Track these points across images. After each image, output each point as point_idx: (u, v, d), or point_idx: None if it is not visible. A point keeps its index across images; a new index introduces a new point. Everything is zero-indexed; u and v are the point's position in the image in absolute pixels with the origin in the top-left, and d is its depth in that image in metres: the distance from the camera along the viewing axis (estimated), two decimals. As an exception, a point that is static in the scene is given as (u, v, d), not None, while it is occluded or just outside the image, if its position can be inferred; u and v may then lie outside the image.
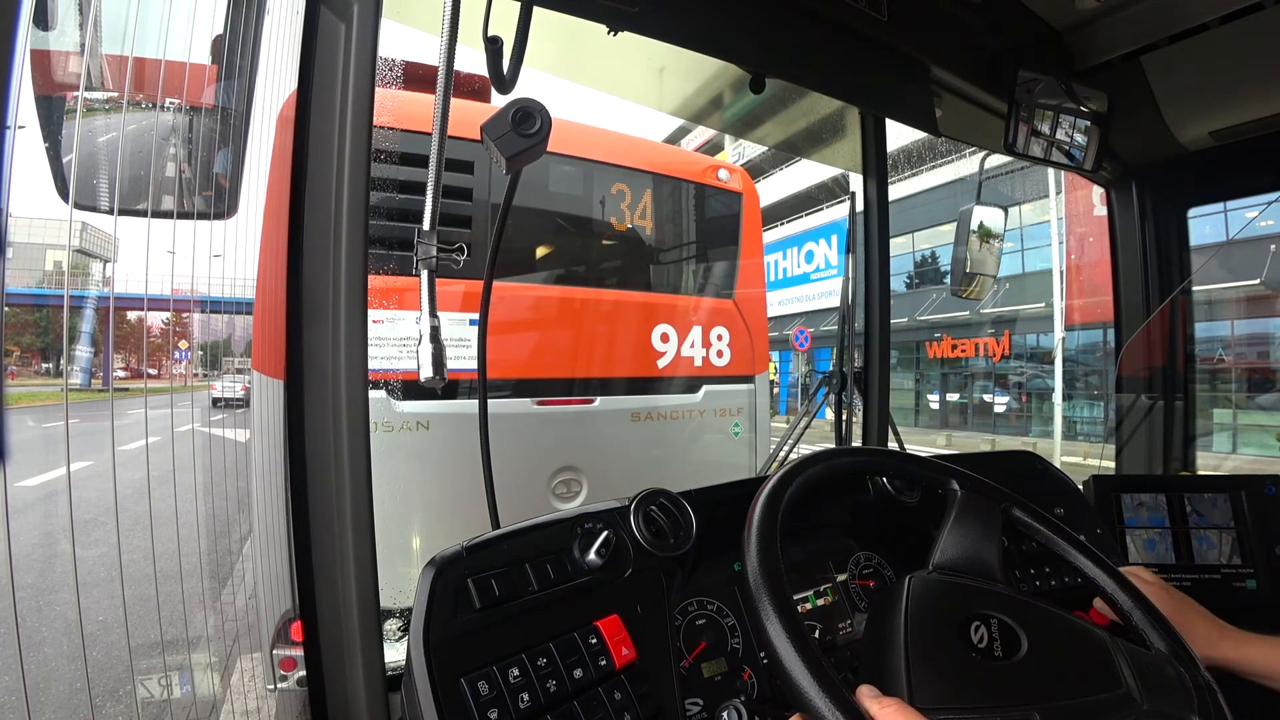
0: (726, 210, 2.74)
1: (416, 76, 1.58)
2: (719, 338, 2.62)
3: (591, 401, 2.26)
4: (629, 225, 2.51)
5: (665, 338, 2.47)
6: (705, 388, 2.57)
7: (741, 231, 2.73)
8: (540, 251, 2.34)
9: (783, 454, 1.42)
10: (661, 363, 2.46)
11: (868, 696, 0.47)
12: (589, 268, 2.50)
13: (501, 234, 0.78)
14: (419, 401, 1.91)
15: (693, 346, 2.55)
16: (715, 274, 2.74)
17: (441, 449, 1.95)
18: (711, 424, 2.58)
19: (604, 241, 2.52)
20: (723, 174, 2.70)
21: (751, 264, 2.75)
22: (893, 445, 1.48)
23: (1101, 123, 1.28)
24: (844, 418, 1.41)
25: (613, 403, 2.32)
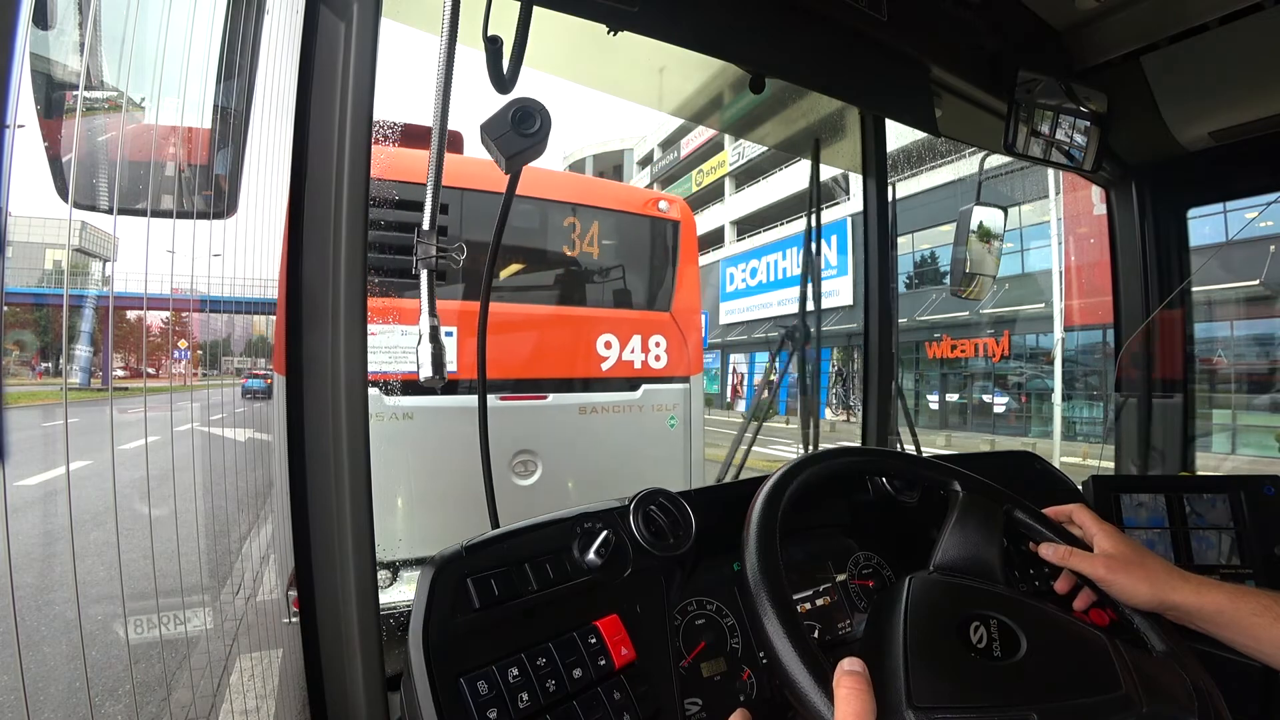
0: (666, 236, 3.32)
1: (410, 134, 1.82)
2: (657, 344, 3.17)
3: (545, 398, 2.79)
4: (579, 251, 3.04)
5: (609, 345, 3.02)
6: (644, 386, 3.12)
7: (679, 253, 3.30)
8: (505, 274, 2.85)
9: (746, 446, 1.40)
10: (605, 366, 3.00)
11: (844, 669, 0.47)
12: (545, 288, 3.03)
13: (501, 234, 0.78)
14: (404, 397, 2.38)
15: (633, 352, 3.09)
16: (655, 290, 3.29)
17: (421, 434, 2.43)
18: (650, 417, 3.13)
19: (557, 265, 3.06)
20: (663, 205, 3.30)
21: (688, 281, 3.31)
22: (909, 447, 1.48)
23: (1101, 123, 1.28)
24: (807, 375, 1.39)
25: (563, 399, 2.85)
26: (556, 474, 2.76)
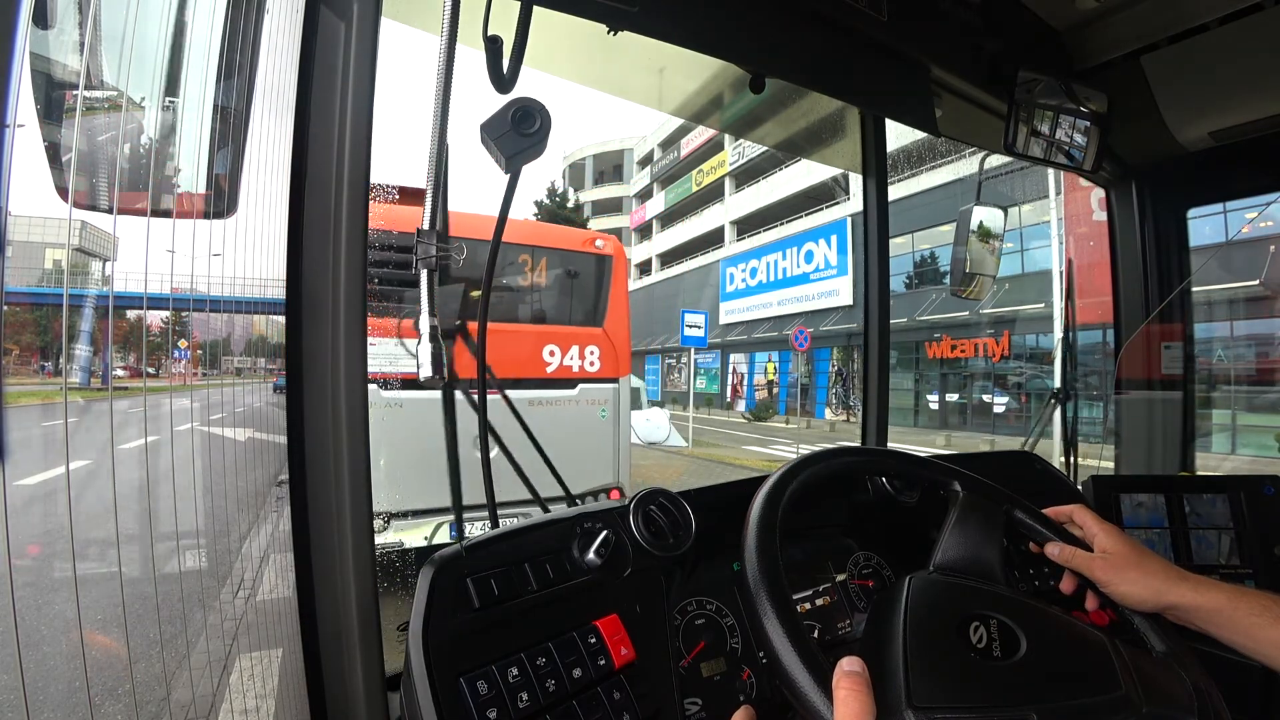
0: (600, 268, 4.30)
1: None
2: (591, 353, 4.12)
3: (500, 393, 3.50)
4: (531, 281, 3.94)
5: (553, 353, 4.00)
6: (580, 385, 4.10)
7: (611, 281, 4.27)
8: (474, 295, 3.51)
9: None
10: (549, 369, 3.98)
11: (844, 669, 0.47)
12: (504, 309, 3.99)
13: (501, 234, 0.78)
14: (395, 392, 3.10)
15: (572, 359, 4.06)
16: (590, 310, 4.25)
17: (407, 419, 3.07)
18: (585, 409, 4.10)
19: (514, 292, 4.02)
20: (599, 243, 4.31)
21: (618, 302, 4.28)
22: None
23: (1101, 123, 1.28)
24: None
25: (516, 394, 3.40)
26: (512, 451, 3.22)
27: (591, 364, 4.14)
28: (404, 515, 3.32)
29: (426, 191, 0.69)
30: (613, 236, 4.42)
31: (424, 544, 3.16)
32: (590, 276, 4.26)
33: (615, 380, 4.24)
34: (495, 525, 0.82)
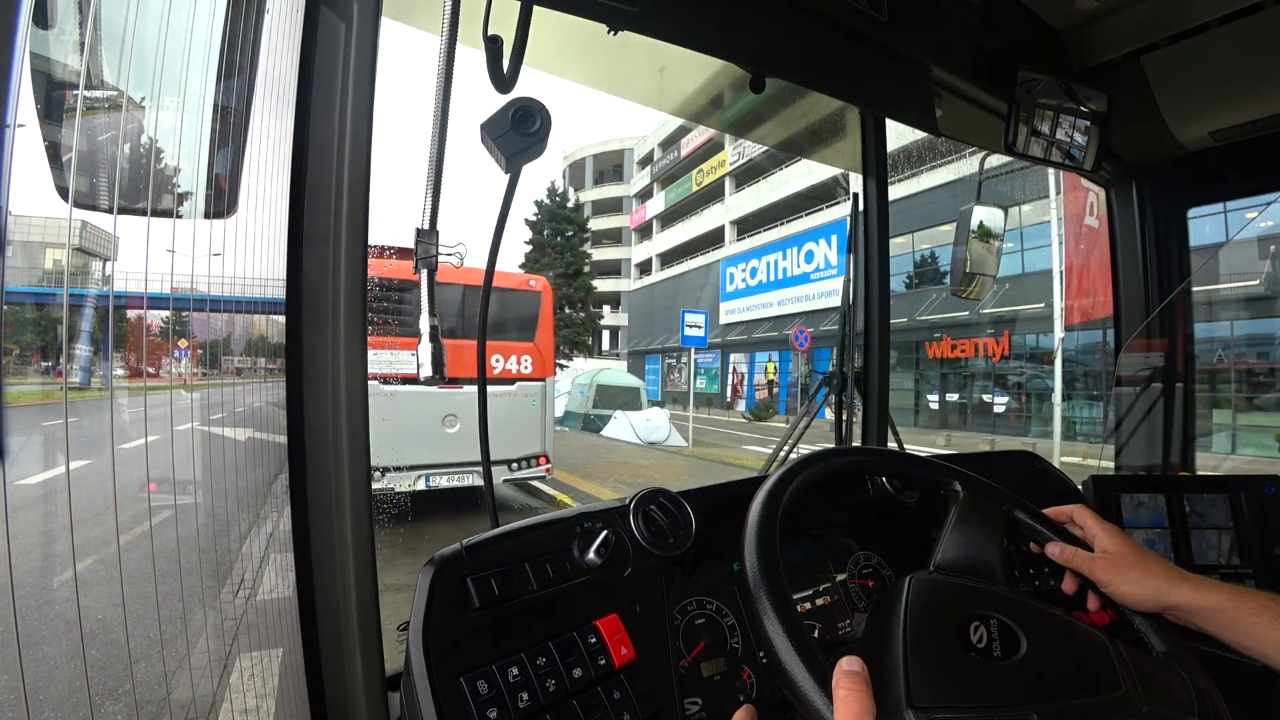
0: (534, 301, 6.39)
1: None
2: (524, 361, 6.14)
3: (462, 388, 5.32)
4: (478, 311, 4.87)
5: (498, 360, 6.00)
6: (518, 383, 6.13)
7: (541, 310, 6.36)
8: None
9: (782, 454, 1.41)
10: (495, 371, 5.99)
11: (844, 668, 0.47)
12: (462, 329, 5.28)
13: (501, 234, 0.79)
14: (392, 386, 4.93)
15: (511, 365, 6.08)
16: (525, 330, 6.25)
17: (399, 404, 5.12)
18: (520, 400, 6.13)
19: (469, 318, 5.42)
20: (532, 283, 6.49)
21: (545, 325, 6.38)
22: (891, 446, 1.48)
23: (1101, 123, 1.28)
24: (844, 418, 1.41)
25: (470, 389, 5.09)
26: (467, 427, 5.43)
27: (525, 368, 6.12)
28: (394, 470, 5.18)
29: (426, 191, 0.69)
30: (543, 278, 6.81)
31: (409, 490, 5.29)
32: (526, 307, 6.23)
33: (543, 379, 6.31)
34: (495, 525, 0.82)
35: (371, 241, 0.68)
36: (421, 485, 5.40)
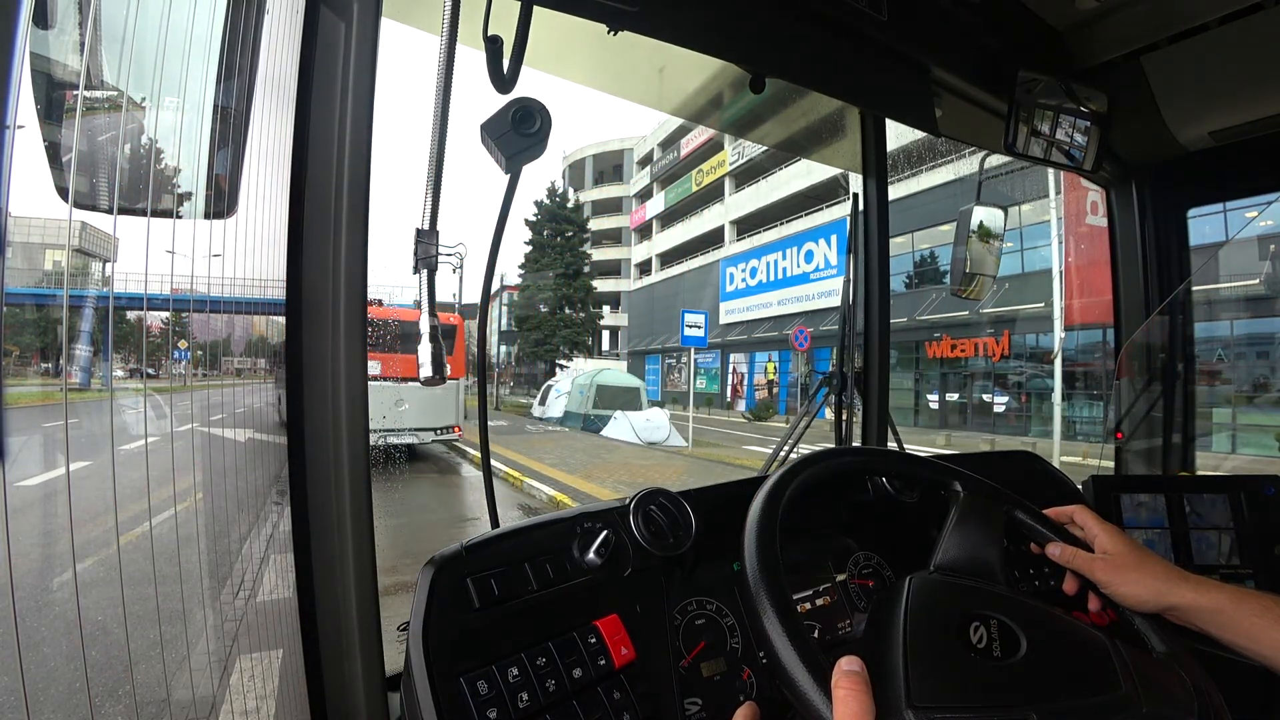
0: (450, 332, 9.51)
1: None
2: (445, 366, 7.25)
3: (405, 382, 8.19)
4: (415, 335, 6.34)
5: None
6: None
7: (456, 335, 10.11)
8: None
9: (782, 454, 1.41)
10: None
11: (843, 668, 0.47)
12: (402, 348, 6.31)
13: (501, 234, 0.79)
14: (383, 381, 7.90)
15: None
16: (446, 348, 6.96)
17: (381, 393, 8.07)
18: (446, 391, 9.59)
19: (407, 341, 6.14)
20: (451, 319, 9.82)
21: (456, 350, 10.26)
22: (892, 446, 1.48)
23: (1101, 123, 1.28)
24: (844, 418, 1.41)
25: (412, 384, 6.25)
26: (413, 409, 8.68)
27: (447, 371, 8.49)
28: (375, 432, 6.44)
29: (426, 191, 0.69)
30: (459, 315, 10.20)
31: (397, 443, 8.65)
32: (445, 337, 8.14)
33: (457, 380, 9.90)
34: (495, 525, 0.82)
35: (372, 242, 0.68)
36: (380, 442, 8.28)
